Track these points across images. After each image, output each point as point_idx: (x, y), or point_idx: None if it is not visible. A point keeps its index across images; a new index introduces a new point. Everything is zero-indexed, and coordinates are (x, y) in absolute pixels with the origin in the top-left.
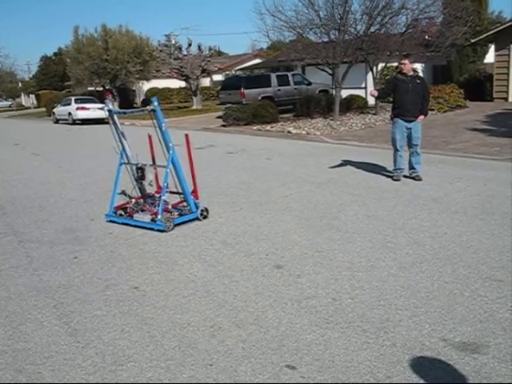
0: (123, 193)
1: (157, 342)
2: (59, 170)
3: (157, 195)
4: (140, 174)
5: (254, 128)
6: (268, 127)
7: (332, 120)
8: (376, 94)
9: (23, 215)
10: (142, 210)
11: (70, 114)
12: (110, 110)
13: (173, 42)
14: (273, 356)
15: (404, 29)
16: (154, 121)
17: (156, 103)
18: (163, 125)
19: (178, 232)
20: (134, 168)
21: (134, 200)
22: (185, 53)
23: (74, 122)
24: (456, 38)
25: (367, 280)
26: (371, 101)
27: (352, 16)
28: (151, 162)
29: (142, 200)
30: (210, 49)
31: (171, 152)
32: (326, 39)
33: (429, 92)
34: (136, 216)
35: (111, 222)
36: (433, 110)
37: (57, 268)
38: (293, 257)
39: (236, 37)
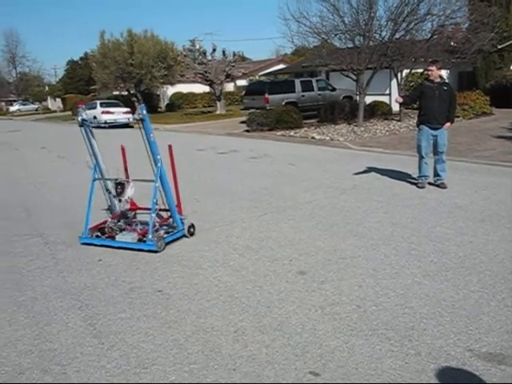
0: (109, 209)
1: (180, 345)
2: (84, 173)
3: (131, 213)
4: (119, 191)
5: (278, 133)
6: (292, 133)
7: (356, 126)
8: (401, 100)
9: (48, 217)
10: (122, 230)
11: (95, 117)
12: (84, 120)
13: (197, 46)
14: (296, 362)
15: (429, 35)
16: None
17: (144, 111)
18: (151, 135)
19: (202, 237)
20: (112, 184)
21: (109, 219)
22: (209, 58)
23: (99, 126)
24: (482, 44)
25: (392, 287)
26: (395, 107)
27: (377, 22)
28: (125, 176)
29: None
30: (235, 54)
31: (159, 165)
32: (350, 45)
33: (456, 99)
34: (119, 237)
35: (87, 244)
36: (458, 116)
37: (82, 270)
38: (317, 263)
39: (260, 42)
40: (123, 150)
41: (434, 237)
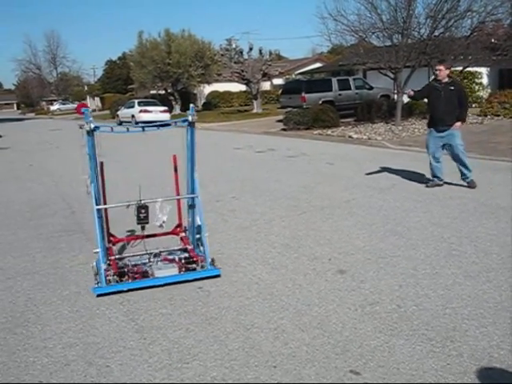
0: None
1: (221, 342)
2: (125, 170)
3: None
4: (144, 215)
5: (315, 132)
6: (329, 132)
7: (393, 125)
8: (412, 93)
9: (90, 214)
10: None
11: (133, 116)
12: (96, 128)
13: (234, 46)
14: (337, 360)
15: (469, 32)
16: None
17: (194, 113)
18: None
19: (241, 235)
20: (135, 208)
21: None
22: (246, 57)
23: (137, 124)
24: None
25: (432, 288)
26: None
27: (415, 19)
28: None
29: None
30: (271, 53)
31: (195, 177)
32: (388, 43)
33: (466, 98)
34: (159, 272)
35: (107, 295)
36: (499, 115)
37: None
38: (356, 262)
39: (296, 41)
40: (101, 167)
41: (475, 237)
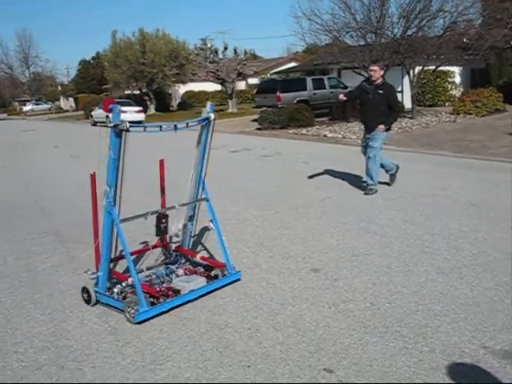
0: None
1: (195, 342)
2: (97, 172)
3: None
4: (164, 226)
5: (290, 131)
6: (303, 131)
7: None
8: (344, 98)
9: (63, 215)
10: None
11: (107, 116)
12: (132, 124)
13: (209, 45)
14: (310, 359)
15: (442, 32)
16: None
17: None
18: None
19: (215, 235)
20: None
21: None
22: (221, 56)
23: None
24: (496, 40)
25: (405, 285)
26: (408, 105)
27: (389, 19)
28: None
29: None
30: (246, 52)
31: (204, 183)
32: (362, 42)
33: (397, 101)
34: (190, 285)
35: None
36: (471, 114)
37: None
38: (330, 260)
39: (271, 40)
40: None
41: (447, 234)
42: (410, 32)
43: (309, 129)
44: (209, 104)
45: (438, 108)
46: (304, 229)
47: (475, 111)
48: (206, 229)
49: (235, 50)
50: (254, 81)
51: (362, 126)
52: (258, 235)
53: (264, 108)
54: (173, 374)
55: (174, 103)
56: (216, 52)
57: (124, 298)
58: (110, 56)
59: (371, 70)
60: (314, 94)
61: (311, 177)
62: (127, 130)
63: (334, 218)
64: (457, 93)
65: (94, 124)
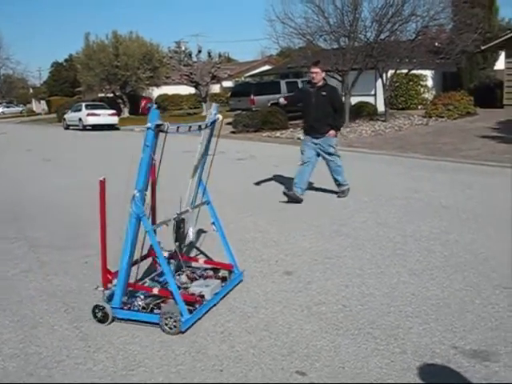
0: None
1: (167, 347)
2: (70, 175)
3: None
4: (182, 230)
5: (264, 135)
6: (278, 134)
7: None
8: (285, 102)
9: (34, 220)
10: (192, 279)
11: (80, 119)
12: (158, 126)
13: (183, 48)
14: (283, 362)
15: (414, 36)
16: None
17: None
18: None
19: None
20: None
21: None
22: (195, 59)
23: (85, 128)
24: (466, 44)
25: (377, 287)
26: (381, 108)
27: (362, 23)
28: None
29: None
30: (220, 55)
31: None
32: (335, 46)
33: (341, 102)
34: (210, 289)
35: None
36: (443, 117)
37: (67, 273)
38: (303, 263)
39: (246, 43)
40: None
41: (419, 236)
42: (382, 36)
43: (283, 132)
44: (214, 105)
45: (410, 111)
46: (277, 232)
47: (447, 114)
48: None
49: (209, 53)
50: (228, 84)
51: (306, 135)
52: (231, 239)
53: (238, 111)
54: (144, 379)
55: None
56: (190, 55)
57: (151, 310)
58: (83, 58)
59: (312, 73)
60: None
61: (283, 180)
62: (166, 131)
63: (307, 221)
64: (429, 96)
65: (67, 127)
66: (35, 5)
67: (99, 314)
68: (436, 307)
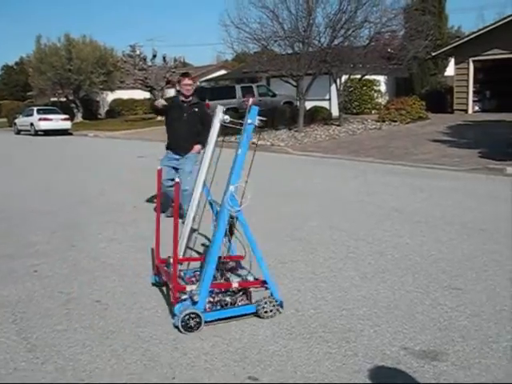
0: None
1: (119, 356)
2: (20, 180)
3: None
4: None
5: (219, 139)
6: (232, 138)
7: (296, 131)
8: (160, 106)
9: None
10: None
11: (32, 124)
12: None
13: (138, 52)
14: (235, 368)
15: (367, 41)
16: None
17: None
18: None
19: (140, 244)
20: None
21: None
22: (149, 64)
23: (37, 133)
24: (417, 51)
25: (330, 290)
26: (335, 112)
27: (316, 29)
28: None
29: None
30: (175, 60)
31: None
32: (290, 51)
33: (210, 119)
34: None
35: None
36: (396, 121)
37: (16, 282)
38: (256, 268)
39: (201, 48)
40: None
41: (371, 239)
42: (336, 41)
43: (238, 136)
44: (219, 107)
45: (364, 115)
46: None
47: (400, 119)
48: None
49: (164, 58)
50: None
51: (168, 150)
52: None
53: None
54: None
55: (102, 111)
56: (145, 59)
57: (225, 304)
58: (35, 62)
59: (187, 84)
60: (243, 101)
61: None
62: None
63: (258, 227)
64: (382, 101)
65: (18, 132)
66: None
67: (192, 323)
68: (387, 309)
